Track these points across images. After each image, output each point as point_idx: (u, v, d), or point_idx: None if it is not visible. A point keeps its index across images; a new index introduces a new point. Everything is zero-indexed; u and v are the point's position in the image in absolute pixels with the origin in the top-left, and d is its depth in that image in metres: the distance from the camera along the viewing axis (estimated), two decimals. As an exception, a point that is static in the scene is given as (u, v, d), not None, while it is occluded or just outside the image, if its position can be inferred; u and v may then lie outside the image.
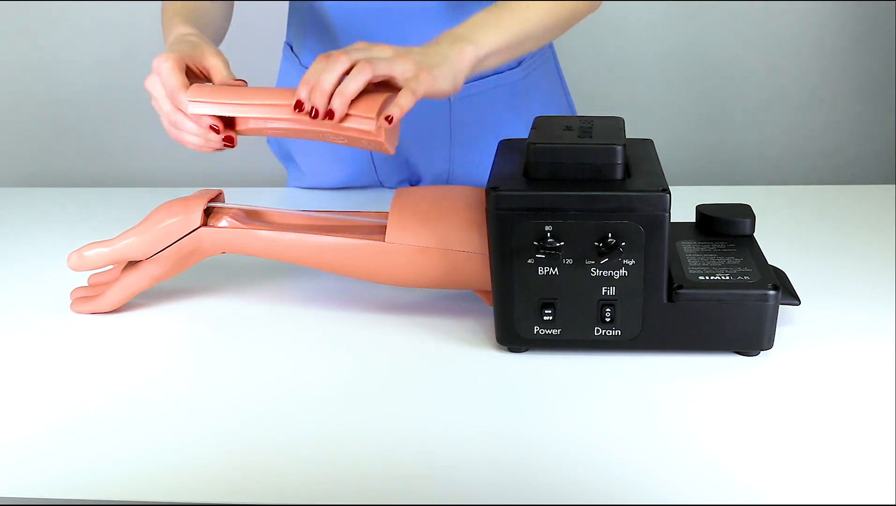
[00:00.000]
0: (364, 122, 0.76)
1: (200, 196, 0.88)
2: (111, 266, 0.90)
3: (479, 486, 0.63)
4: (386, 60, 0.78)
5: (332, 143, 0.82)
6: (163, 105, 0.83)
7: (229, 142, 0.83)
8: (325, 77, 0.76)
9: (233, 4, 1.08)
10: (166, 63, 0.82)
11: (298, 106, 0.77)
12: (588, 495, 0.61)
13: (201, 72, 0.85)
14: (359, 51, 0.79)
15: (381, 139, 0.76)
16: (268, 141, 1.28)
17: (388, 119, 0.75)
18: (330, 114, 0.76)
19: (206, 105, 0.81)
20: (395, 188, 1.10)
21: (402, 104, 0.76)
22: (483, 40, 0.84)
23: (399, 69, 0.78)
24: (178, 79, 0.82)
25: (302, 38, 1.16)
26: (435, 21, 1.04)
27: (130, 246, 0.86)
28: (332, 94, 0.76)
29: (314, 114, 0.76)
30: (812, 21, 1.84)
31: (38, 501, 0.63)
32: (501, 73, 1.13)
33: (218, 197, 0.89)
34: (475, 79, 1.11)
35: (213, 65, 0.85)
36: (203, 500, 0.62)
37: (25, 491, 0.63)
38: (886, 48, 1.85)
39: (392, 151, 0.79)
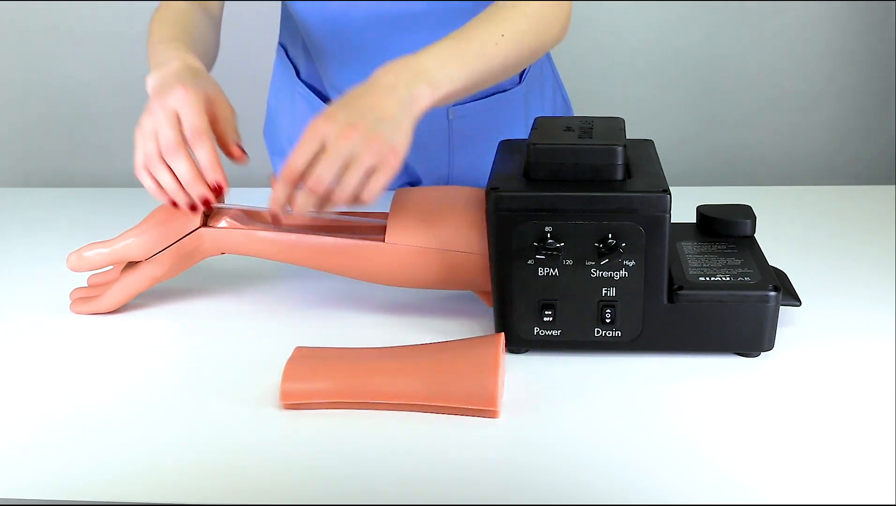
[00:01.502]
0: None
1: None
2: (111, 266, 0.90)
3: (479, 486, 0.63)
4: (355, 170, 0.75)
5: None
6: (165, 131, 0.78)
7: (196, 209, 0.81)
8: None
9: (220, 25, 1.05)
10: (194, 99, 0.78)
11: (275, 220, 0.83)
12: (588, 495, 0.61)
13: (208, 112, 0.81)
14: (323, 165, 0.75)
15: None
16: (264, 135, 1.28)
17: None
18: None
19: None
20: (395, 189, 1.09)
21: (377, 190, 0.76)
22: (443, 82, 0.80)
23: (364, 169, 0.75)
24: (203, 120, 0.78)
25: (292, 41, 1.16)
26: (422, 27, 1.03)
27: (130, 246, 0.86)
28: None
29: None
30: (812, 21, 1.84)
31: (38, 501, 0.63)
32: (505, 90, 1.13)
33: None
34: (477, 98, 1.11)
35: (225, 117, 0.83)
36: (203, 500, 0.62)
37: (25, 491, 0.63)
38: (886, 48, 1.85)
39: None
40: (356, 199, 0.76)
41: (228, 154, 0.84)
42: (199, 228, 0.86)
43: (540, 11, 0.92)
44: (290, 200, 0.76)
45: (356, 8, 1.03)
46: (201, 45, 0.92)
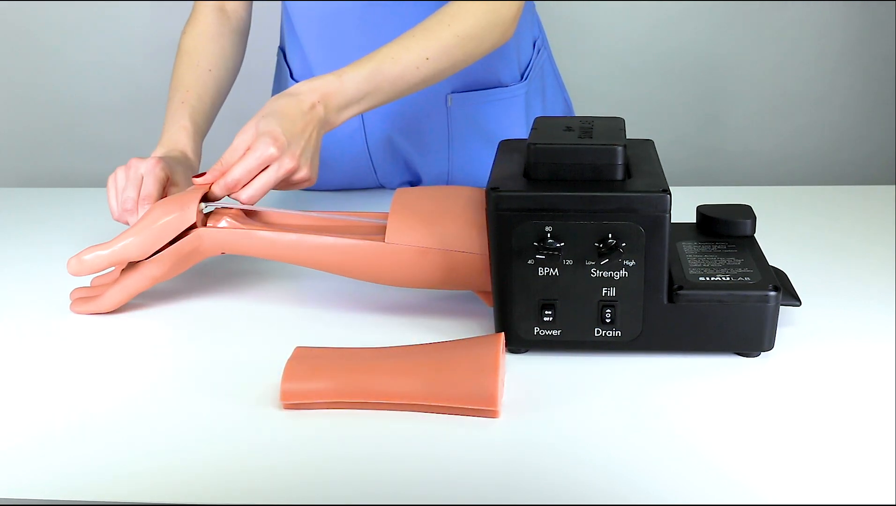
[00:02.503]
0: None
1: (195, 191, 0.88)
2: (112, 268, 0.90)
3: (479, 486, 0.63)
4: (271, 177, 0.88)
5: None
6: (127, 192, 0.93)
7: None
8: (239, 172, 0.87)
9: (247, 30, 1.16)
10: (156, 173, 0.94)
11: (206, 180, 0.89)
12: (588, 495, 0.61)
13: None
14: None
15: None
16: None
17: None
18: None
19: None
20: (395, 189, 1.10)
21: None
22: (358, 107, 0.92)
23: (276, 180, 0.88)
24: (155, 191, 0.93)
25: (290, 44, 1.17)
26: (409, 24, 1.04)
27: (129, 247, 0.86)
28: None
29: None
30: (812, 21, 1.84)
31: (37, 501, 0.63)
32: (507, 87, 1.13)
33: (209, 192, 0.89)
34: (475, 88, 1.12)
35: (177, 182, 0.97)
36: (203, 500, 0.62)
37: (25, 491, 0.63)
38: (886, 48, 1.85)
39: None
40: (248, 198, 0.87)
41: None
42: (197, 226, 0.86)
43: (473, 30, 0.94)
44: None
45: (350, 6, 1.04)
46: (208, 98, 1.07)
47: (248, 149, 0.86)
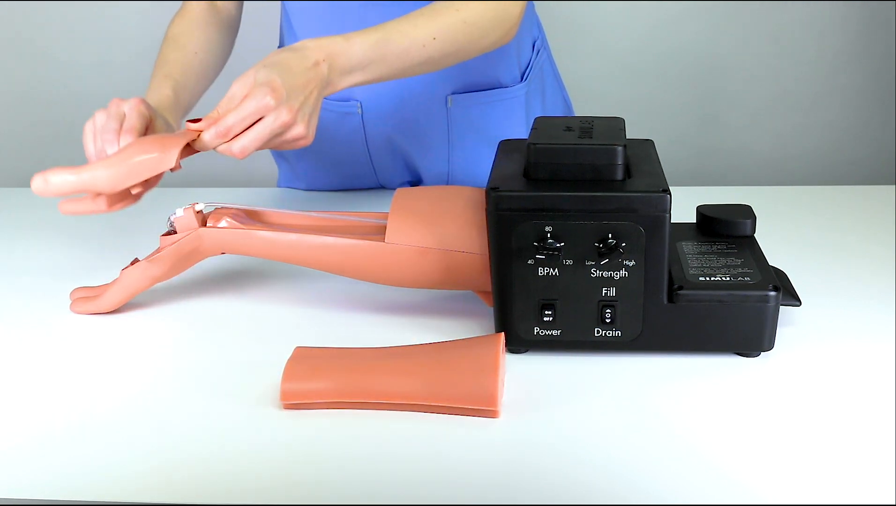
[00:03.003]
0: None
1: (183, 135, 0.84)
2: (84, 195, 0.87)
3: (479, 486, 0.63)
4: (266, 131, 0.83)
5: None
6: (108, 124, 0.88)
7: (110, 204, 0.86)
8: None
9: (236, 26, 1.14)
10: (140, 110, 0.89)
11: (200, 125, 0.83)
12: (588, 495, 0.61)
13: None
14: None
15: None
16: None
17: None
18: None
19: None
20: (395, 189, 1.10)
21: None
22: (361, 74, 0.88)
23: (271, 134, 0.83)
24: (139, 125, 0.88)
25: (288, 40, 1.17)
26: None
27: (99, 177, 0.81)
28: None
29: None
30: (812, 21, 1.84)
31: (38, 501, 0.63)
32: (506, 86, 1.13)
33: (198, 140, 0.84)
34: (476, 89, 1.12)
35: (159, 127, 0.93)
36: (203, 500, 0.62)
37: (25, 491, 0.63)
38: (886, 48, 1.85)
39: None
40: (240, 149, 0.83)
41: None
42: (199, 227, 0.86)
43: (480, 20, 0.93)
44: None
45: (349, 6, 1.04)
46: (192, 75, 1.04)
47: (245, 97, 0.82)
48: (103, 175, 0.81)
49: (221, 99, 0.84)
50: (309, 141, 0.86)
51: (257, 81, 0.82)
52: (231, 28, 1.13)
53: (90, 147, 0.89)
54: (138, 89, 0.97)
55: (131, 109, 0.89)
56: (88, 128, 0.90)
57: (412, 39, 0.89)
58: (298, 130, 0.84)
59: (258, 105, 0.81)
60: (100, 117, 0.89)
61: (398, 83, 1.07)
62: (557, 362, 0.78)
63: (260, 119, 0.82)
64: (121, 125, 0.88)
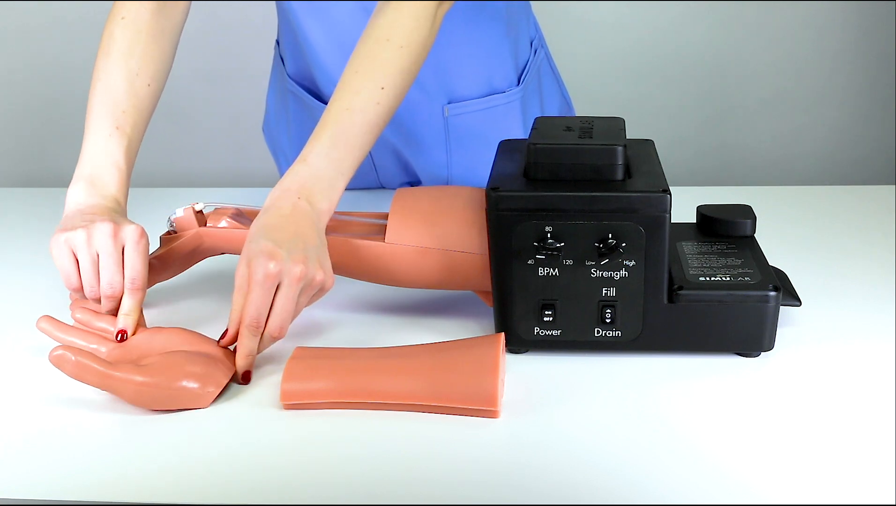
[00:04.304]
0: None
1: (224, 362, 0.76)
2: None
3: (479, 486, 0.63)
4: (304, 297, 0.77)
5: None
6: (109, 273, 0.80)
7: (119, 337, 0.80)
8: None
9: (181, 27, 0.99)
10: (142, 247, 0.82)
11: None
12: (588, 494, 0.61)
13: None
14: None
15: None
16: (263, 134, 1.28)
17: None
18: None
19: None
20: (395, 189, 1.09)
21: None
22: (340, 181, 0.82)
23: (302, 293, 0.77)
24: (144, 270, 0.82)
25: (284, 37, 1.16)
26: None
27: (127, 384, 0.71)
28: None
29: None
30: (812, 21, 1.84)
31: (38, 501, 0.63)
32: (502, 91, 1.13)
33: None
34: (472, 98, 1.11)
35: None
36: (203, 500, 0.62)
37: (25, 491, 0.63)
38: (886, 48, 1.85)
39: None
40: (278, 329, 0.76)
41: None
42: (199, 227, 0.86)
43: (411, 35, 0.85)
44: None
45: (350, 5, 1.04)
46: (143, 122, 0.92)
47: (250, 281, 0.75)
48: (135, 386, 0.72)
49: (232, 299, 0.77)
50: (332, 282, 0.79)
51: (251, 258, 0.75)
52: (176, 37, 0.97)
53: (72, 276, 0.81)
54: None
55: (133, 250, 0.81)
56: (64, 253, 0.81)
57: (362, 109, 0.82)
58: (317, 277, 0.76)
59: (265, 278, 0.74)
60: (83, 251, 0.80)
61: None
62: (557, 362, 0.78)
63: (277, 289, 0.75)
64: (122, 272, 0.81)
